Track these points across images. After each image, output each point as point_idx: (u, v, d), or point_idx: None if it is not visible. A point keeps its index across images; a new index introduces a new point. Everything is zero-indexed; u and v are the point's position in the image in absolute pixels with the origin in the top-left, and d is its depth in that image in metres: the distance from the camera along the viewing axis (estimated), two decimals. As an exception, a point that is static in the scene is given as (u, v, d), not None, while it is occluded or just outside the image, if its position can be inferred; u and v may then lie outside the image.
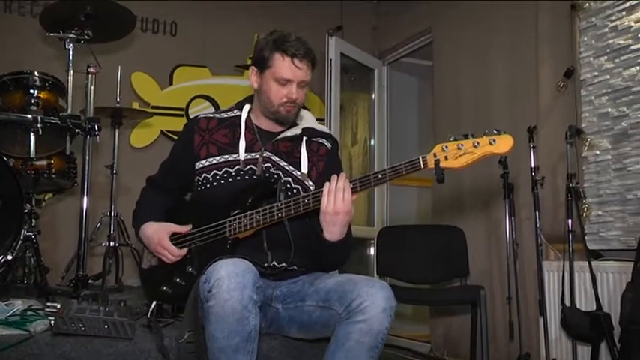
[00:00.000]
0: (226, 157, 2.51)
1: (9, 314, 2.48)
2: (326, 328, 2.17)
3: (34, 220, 3.52)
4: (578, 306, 3.56)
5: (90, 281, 3.50)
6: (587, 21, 3.90)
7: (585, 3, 3.89)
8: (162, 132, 5.43)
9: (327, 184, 2.18)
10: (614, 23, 3.71)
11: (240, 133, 2.52)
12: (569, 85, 3.96)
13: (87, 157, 3.41)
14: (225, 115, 2.62)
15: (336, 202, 2.13)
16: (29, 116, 3.28)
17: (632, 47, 3.59)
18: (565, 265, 3.59)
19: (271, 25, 5.28)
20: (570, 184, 3.55)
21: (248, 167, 2.48)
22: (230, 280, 1.92)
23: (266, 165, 2.48)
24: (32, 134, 3.30)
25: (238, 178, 2.47)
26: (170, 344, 2.25)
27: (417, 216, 6.19)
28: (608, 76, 3.75)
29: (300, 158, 2.53)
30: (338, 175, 2.21)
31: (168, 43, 5.54)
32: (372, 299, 2.00)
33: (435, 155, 2.06)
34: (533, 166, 3.78)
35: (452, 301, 4.48)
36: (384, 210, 5.98)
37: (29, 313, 2.54)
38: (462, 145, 2.03)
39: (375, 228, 5.75)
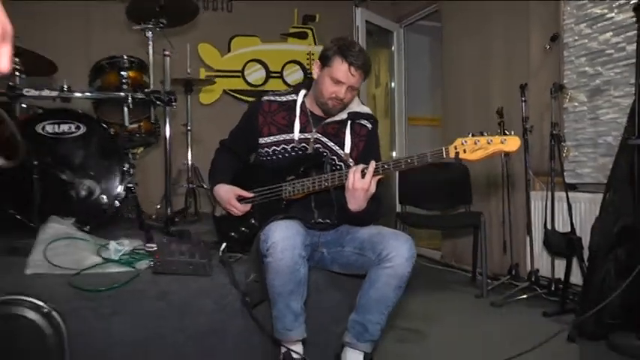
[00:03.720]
0: (284, 135, 2.49)
1: (121, 254, 2.63)
2: (360, 268, 2.25)
3: (132, 170, 3.66)
4: (557, 229, 3.59)
5: (176, 219, 3.61)
6: None
7: (568, -22, 3.80)
8: (224, 90, 5.45)
9: (354, 167, 2.19)
10: (593, -5, 3.61)
11: (295, 116, 2.49)
12: (555, 48, 3.88)
13: (167, 120, 3.50)
14: (284, 99, 2.56)
15: (356, 181, 2.15)
16: (122, 94, 3.35)
17: (607, 16, 3.51)
18: (548, 196, 3.63)
19: (308, 0, 5.33)
20: (553, 131, 3.55)
21: (301, 144, 2.47)
22: (283, 242, 2.00)
23: (316, 145, 2.47)
24: (125, 107, 3.38)
25: (293, 153, 2.47)
26: (240, 278, 2.34)
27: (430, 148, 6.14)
28: (586, 40, 3.67)
29: (344, 139, 2.49)
30: (372, 158, 2.22)
31: (225, 19, 5.47)
32: (398, 251, 2.08)
33: (455, 148, 2.05)
34: (524, 116, 3.79)
35: (458, 226, 4.55)
36: (402, 145, 5.98)
37: (135, 253, 2.62)
38: (478, 140, 2.03)
39: (396, 161, 5.81)
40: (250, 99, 5.48)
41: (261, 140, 2.52)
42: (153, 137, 3.92)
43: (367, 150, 2.48)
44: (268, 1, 5.54)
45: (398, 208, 4.68)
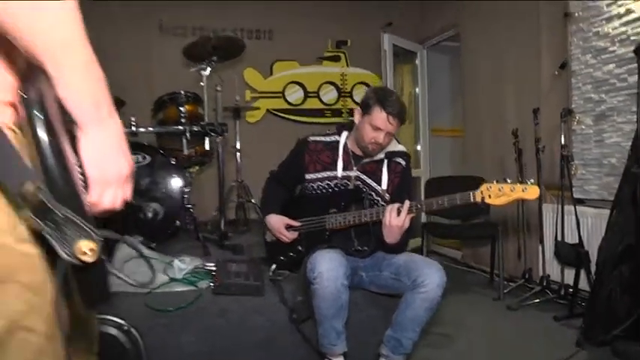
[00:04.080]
0: (328, 173, 2.55)
1: (184, 273, 2.73)
2: (395, 290, 2.33)
3: (189, 188, 3.77)
4: (566, 239, 3.59)
5: (229, 233, 3.71)
6: (576, 26, 3.74)
7: (575, 12, 3.73)
8: (267, 110, 5.51)
9: (390, 205, 2.25)
10: (597, 29, 3.56)
11: (338, 156, 2.54)
12: (563, 75, 3.85)
13: (219, 148, 3.61)
14: (329, 139, 2.61)
15: (392, 219, 2.21)
16: (181, 127, 3.47)
17: (610, 49, 3.46)
18: (558, 209, 3.64)
19: (340, 25, 5.38)
20: (563, 152, 3.55)
21: (343, 181, 2.52)
22: (328, 273, 2.09)
23: (357, 182, 2.51)
24: (184, 138, 3.50)
25: (336, 188, 2.53)
26: (288, 297, 2.43)
27: (449, 159, 6.16)
28: (592, 70, 3.62)
29: (381, 176, 2.52)
30: (404, 196, 2.33)
31: (267, 46, 5.53)
32: (431, 278, 2.14)
33: (481, 192, 2.11)
34: (536, 137, 3.79)
35: (478, 236, 4.53)
36: (426, 154, 5.95)
37: (195, 272, 2.72)
38: (502, 187, 2.08)
39: (421, 169, 5.83)
40: (291, 117, 5.58)
41: (307, 176, 2.58)
42: (207, 158, 4.02)
43: (401, 185, 2.53)
44: (305, 29, 5.59)
45: (423, 218, 4.72)
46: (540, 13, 4.04)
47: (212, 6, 5.22)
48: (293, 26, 5.55)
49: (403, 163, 2.56)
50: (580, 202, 3.64)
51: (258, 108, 5.09)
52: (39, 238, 0.73)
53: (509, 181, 2.10)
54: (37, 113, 0.73)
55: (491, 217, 4.29)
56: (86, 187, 0.82)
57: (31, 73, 0.76)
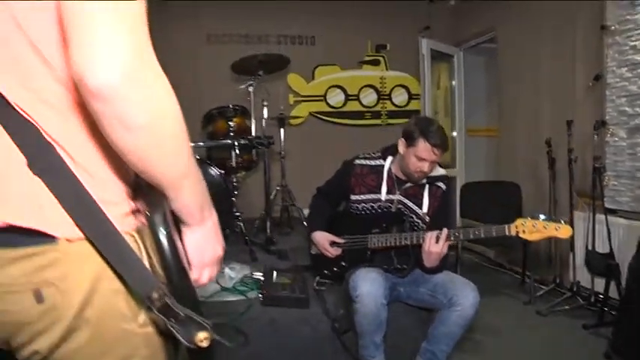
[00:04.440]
0: (372, 195, 2.69)
1: (234, 282, 2.97)
2: (432, 306, 2.52)
3: (236, 192, 4.01)
4: (597, 249, 3.65)
5: (274, 239, 3.94)
6: (612, 39, 3.75)
7: (612, 26, 3.77)
8: (309, 113, 5.73)
9: (430, 232, 2.41)
10: (634, 43, 3.58)
11: (383, 180, 2.68)
12: (598, 87, 3.88)
13: (265, 159, 3.83)
14: (374, 163, 2.74)
15: (431, 245, 2.38)
16: (229, 141, 3.69)
17: None
18: (589, 217, 3.69)
19: (379, 30, 5.51)
20: (595, 165, 3.62)
21: (386, 204, 2.67)
22: (369, 294, 2.27)
23: (399, 206, 2.66)
24: (232, 151, 3.73)
25: (379, 210, 2.68)
26: (330, 307, 2.65)
27: (485, 158, 6.22)
28: (627, 83, 3.65)
29: (423, 200, 2.65)
30: (443, 219, 2.52)
31: (310, 51, 5.74)
32: (465, 298, 2.31)
33: (516, 227, 2.25)
34: (569, 148, 3.85)
35: (511, 242, 4.51)
36: (462, 155, 6.04)
37: (245, 281, 2.94)
38: (536, 224, 2.20)
39: (456, 169, 5.93)
40: (332, 119, 5.76)
41: (353, 197, 2.73)
42: (253, 164, 4.26)
43: (441, 209, 2.66)
44: (345, 34, 5.75)
45: (459, 222, 4.86)
46: (577, 23, 4.09)
47: (257, 14, 5.43)
48: (334, 32, 5.74)
49: (444, 187, 2.69)
50: (612, 212, 3.69)
51: (301, 117, 5.31)
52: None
53: (542, 217, 2.22)
54: (162, 230, 0.90)
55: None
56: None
57: (148, 190, 0.93)
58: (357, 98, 5.88)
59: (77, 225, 0.82)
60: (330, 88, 5.84)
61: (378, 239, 2.61)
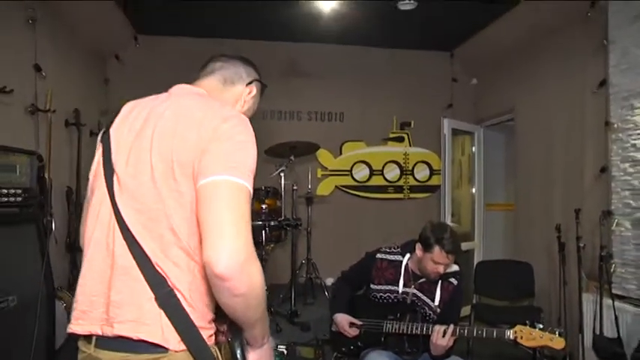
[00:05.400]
0: (390, 287, 2.99)
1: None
2: None
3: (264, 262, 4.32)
4: (605, 332, 3.79)
5: (299, 312, 4.22)
6: (615, 135, 4.01)
7: (615, 124, 4.03)
8: (336, 186, 6.08)
9: (438, 327, 2.67)
10: (634, 142, 3.82)
11: (400, 275, 2.98)
12: (604, 178, 4.12)
13: (292, 235, 4.16)
14: (393, 258, 3.04)
15: (438, 339, 2.64)
16: (260, 222, 4.05)
17: None
18: (597, 300, 3.87)
19: (404, 109, 5.92)
20: (602, 253, 3.84)
21: (402, 295, 2.96)
22: None
23: (413, 298, 2.95)
24: (263, 231, 4.07)
25: (396, 300, 2.97)
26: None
27: (503, 231, 6.41)
28: (630, 178, 3.87)
29: (435, 294, 2.92)
30: (451, 313, 2.80)
31: (338, 127, 6.12)
32: None
33: (515, 332, 2.50)
34: (577, 236, 4.07)
35: (522, 321, 4.76)
36: (481, 229, 6.24)
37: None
38: (533, 333, 2.43)
39: (475, 242, 6.14)
40: (357, 193, 6.09)
41: (372, 286, 3.04)
42: (282, 239, 4.59)
43: (450, 304, 2.94)
44: (371, 110, 6.15)
45: (474, 299, 5.05)
46: (586, 117, 4.38)
47: (290, 91, 5.87)
48: (362, 109, 6.14)
49: (455, 282, 2.96)
50: (620, 297, 3.85)
51: (326, 196, 5.78)
52: None
53: (540, 326, 2.45)
54: (239, 350, 1.41)
55: (535, 301, 4.58)
56: None
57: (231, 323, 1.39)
58: (381, 173, 6.20)
59: (183, 341, 1.27)
60: (356, 163, 6.15)
61: (392, 325, 2.88)
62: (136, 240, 1.30)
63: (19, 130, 3.68)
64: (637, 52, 3.84)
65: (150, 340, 1.25)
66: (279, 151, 4.38)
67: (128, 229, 1.31)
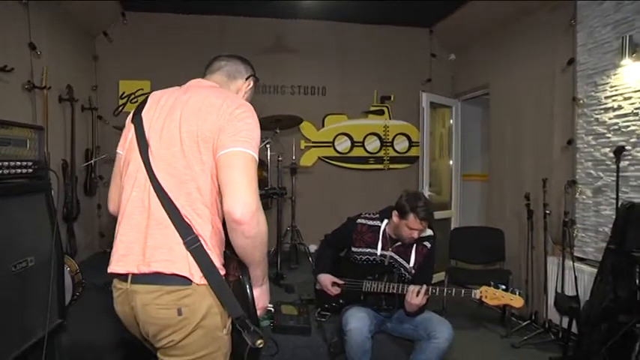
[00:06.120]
0: (369, 249, 3.23)
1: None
2: (414, 338, 3.05)
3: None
4: (566, 291, 4.13)
5: (284, 275, 4.49)
6: (581, 110, 4.29)
7: (581, 99, 4.29)
8: (319, 157, 6.29)
9: (412, 287, 2.93)
10: (597, 117, 4.10)
11: (378, 239, 3.22)
12: (570, 150, 4.41)
13: (278, 204, 4.39)
14: (372, 223, 3.26)
15: (412, 298, 2.91)
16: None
17: (606, 135, 4.01)
18: (559, 264, 4.23)
19: (384, 83, 6.15)
20: (565, 219, 4.14)
21: (380, 257, 3.21)
22: (356, 329, 2.82)
23: (390, 260, 3.21)
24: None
25: (374, 262, 3.22)
26: (328, 335, 3.21)
27: (479, 201, 6.64)
28: (592, 150, 4.18)
29: (410, 256, 3.17)
30: (425, 273, 3.06)
31: (321, 101, 6.32)
32: (442, 333, 2.88)
33: (480, 292, 2.80)
34: (544, 203, 4.38)
35: (492, 282, 5.07)
36: (457, 198, 6.49)
37: None
38: (496, 293, 2.73)
39: (452, 210, 6.41)
40: (339, 163, 6.33)
41: (353, 249, 3.29)
42: (267, 206, 4.83)
43: (424, 265, 3.20)
44: (353, 85, 6.36)
45: (448, 263, 5.35)
46: (555, 92, 4.64)
47: (274, 66, 6.05)
48: (343, 84, 6.34)
49: (429, 245, 3.22)
50: (581, 260, 4.19)
51: (309, 166, 5.96)
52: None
53: (502, 287, 2.75)
54: (248, 285, 1.73)
55: (505, 265, 4.91)
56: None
57: (240, 263, 1.73)
58: (362, 145, 6.43)
59: (204, 277, 1.59)
60: (338, 135, 6.36)
61: (370, 285, 3.15)
62: (168, 197, 1.62)
63: (18, 105, 3.83)
64: (603, 32, 4.10)
65: (180, 273, 1.57)
66: (265, 124, 4.57)
67: (162, 189, 1.63)
